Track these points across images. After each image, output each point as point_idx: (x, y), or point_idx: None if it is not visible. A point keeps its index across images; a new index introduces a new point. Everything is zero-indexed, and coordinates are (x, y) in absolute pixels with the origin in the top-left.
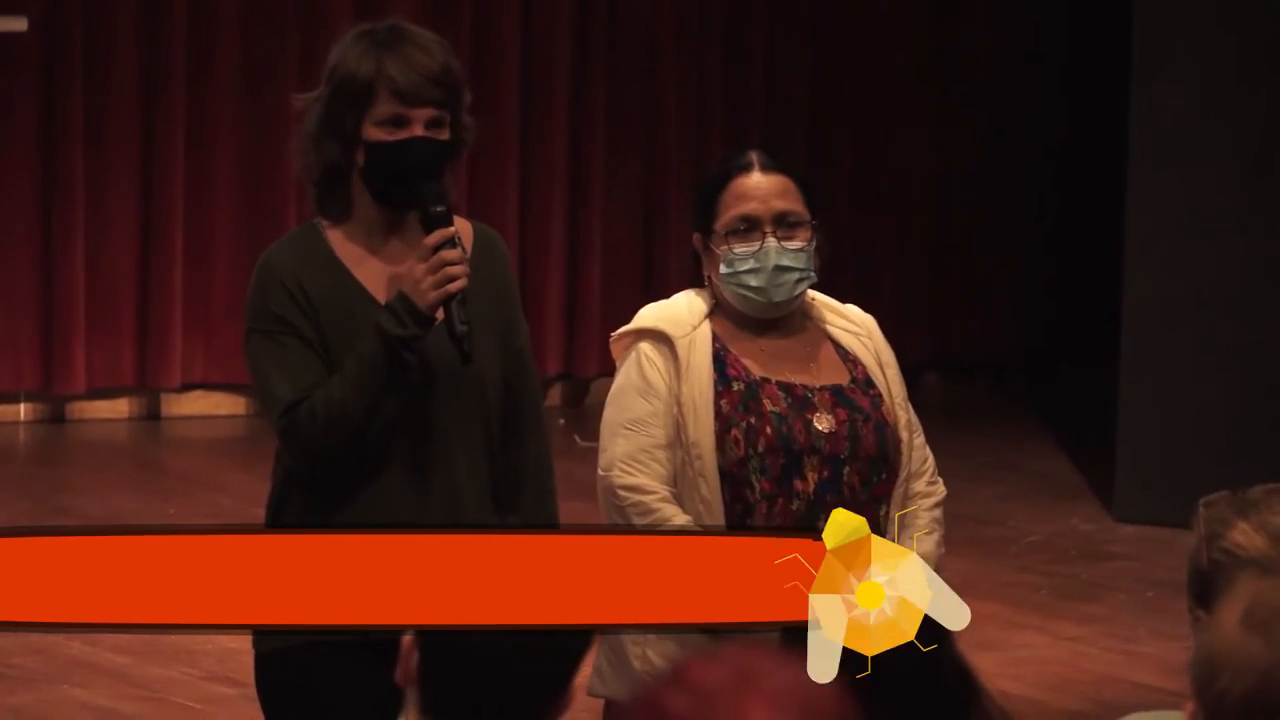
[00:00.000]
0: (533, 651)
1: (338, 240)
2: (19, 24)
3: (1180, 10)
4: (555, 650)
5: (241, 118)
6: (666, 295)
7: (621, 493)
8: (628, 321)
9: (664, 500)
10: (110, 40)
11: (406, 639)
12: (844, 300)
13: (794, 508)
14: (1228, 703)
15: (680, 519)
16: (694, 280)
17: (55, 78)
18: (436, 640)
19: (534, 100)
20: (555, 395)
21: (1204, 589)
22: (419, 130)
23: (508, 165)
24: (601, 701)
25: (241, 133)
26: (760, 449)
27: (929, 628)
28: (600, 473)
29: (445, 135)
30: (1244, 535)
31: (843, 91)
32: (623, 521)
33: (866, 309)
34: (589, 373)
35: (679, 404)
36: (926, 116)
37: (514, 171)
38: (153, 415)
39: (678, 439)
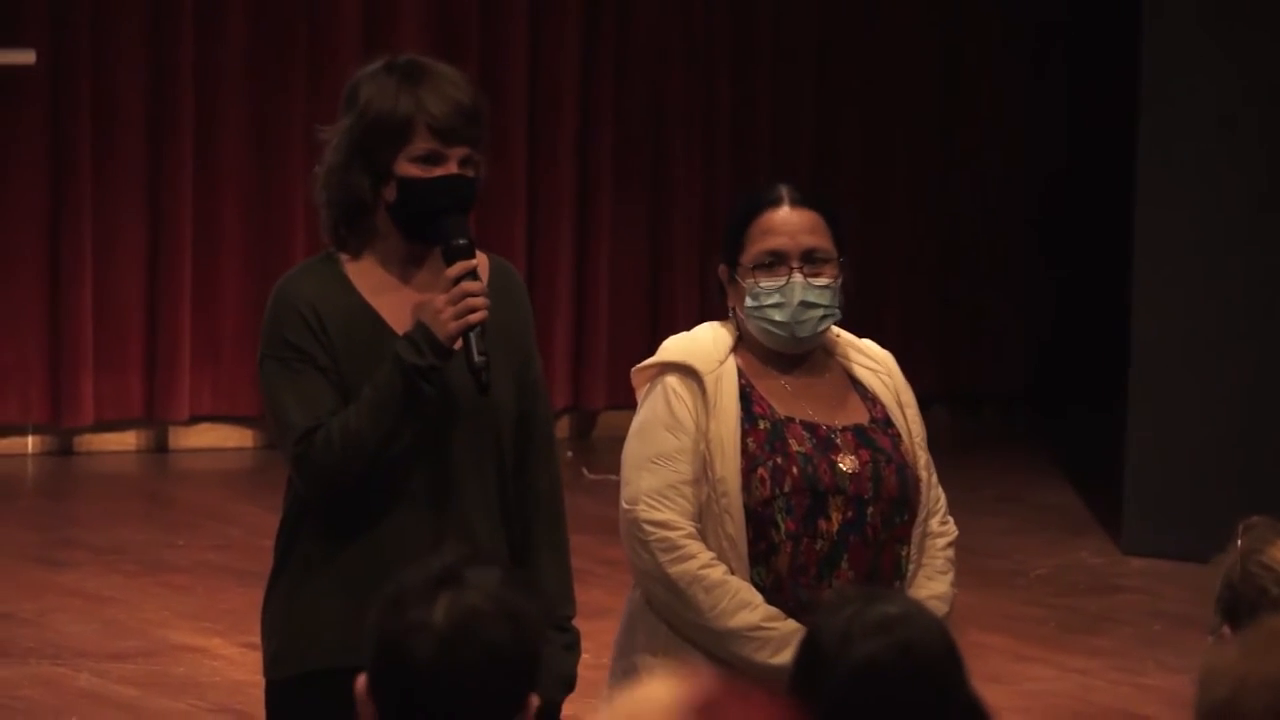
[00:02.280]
0: (463, 661)
1: (356, 272)
2: (27, 57)
3: (1187, 47)
4: (487, 656)
5: (249, 151)
6: (673, 328)
7: (647, 527)
8: (635, 353)
9: (689, 537)
10: (117, 73)
11: (360, 686)
12: (850, 331)
13: (818, 548)
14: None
15: (705, 556)
16: (718, 312)
17: (63, 110)
18: (382, 675)
19: (541, 133)
20: (563, 427)
21: (1234, 605)
22: (454, 168)
23: (515, 198)
24: None
25: (249, 166)
26: (786, 489)
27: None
28: (624, 506)
29: (473, 173)
30: None
31: (848, 127)
32: (646, 555)
33: (873, 341)
34: (597, 405)
35: (706, 441)
36: (932, 150)
37: (521, 204)
38: (161, 448)
39: (704, 475)
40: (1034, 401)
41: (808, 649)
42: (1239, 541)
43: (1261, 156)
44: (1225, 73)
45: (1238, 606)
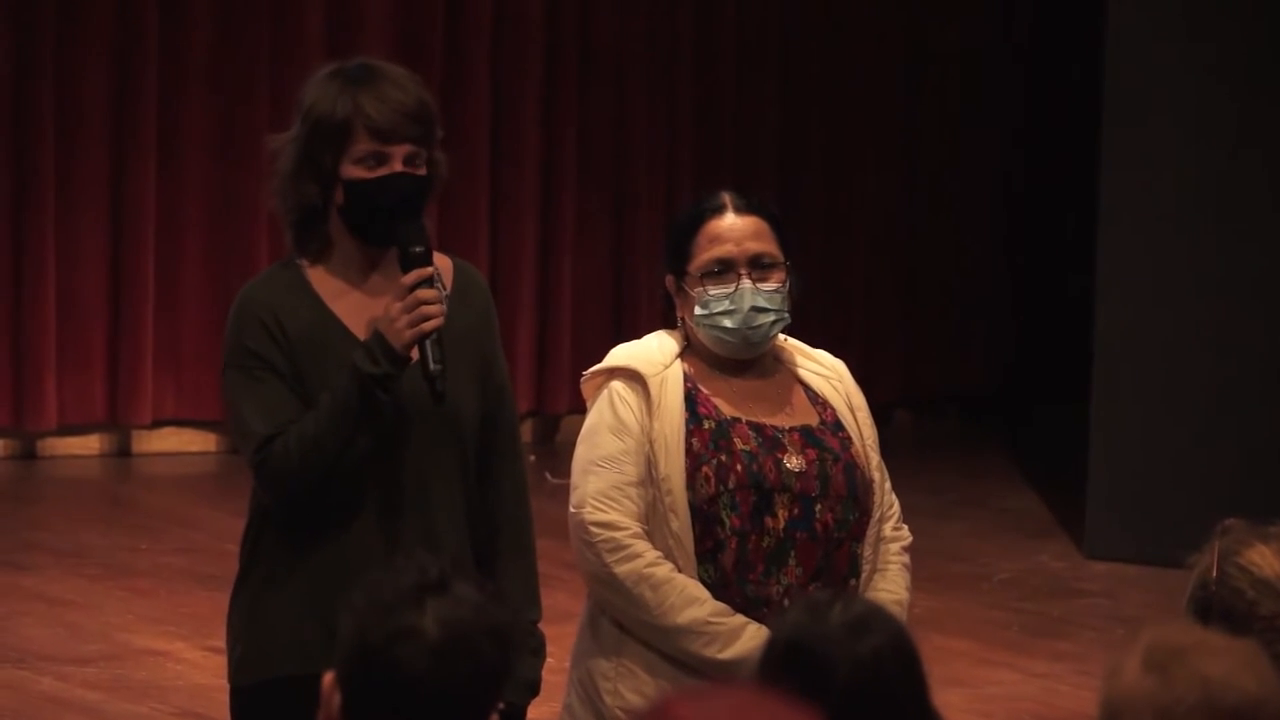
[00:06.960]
0: (452, 673)
1: (317, 277)
2: None
3: (1151, 47)
4: (474, 671)
5: (213, 156)
6: (636, 332)
7: (593, 529)
8: (598, 358)
9: (635, 536)
10: (81, 77)
11: (327, 680)
12: (814, 336)
13: (765, 544)
14: None
15: (650, 554)
16: (665, 320)
17: (26, 115)
18: (359, 675)
19: (505, 137)
20: (526, 431)
21: (1207, 606)
22: (398, 166)
23: (478, 202)
24: None
25: (213, 171)
26: (731, 486)
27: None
28: (572, 510)
29: (423, 170)
30: (1260, 556)
31: (811, 132)
32: (593, 557)
33: (837, 346)
34: (559, 409)
35: (650, 441)
36: (896, 154)
37: (484, 208)
38: (124, 452)
39: (649, 476)
40: (998, 406)
41: (796, 653)
42: (1216, 543)
43: (1222, 158)
44: (1189, 70)
45: (1211, 608)
